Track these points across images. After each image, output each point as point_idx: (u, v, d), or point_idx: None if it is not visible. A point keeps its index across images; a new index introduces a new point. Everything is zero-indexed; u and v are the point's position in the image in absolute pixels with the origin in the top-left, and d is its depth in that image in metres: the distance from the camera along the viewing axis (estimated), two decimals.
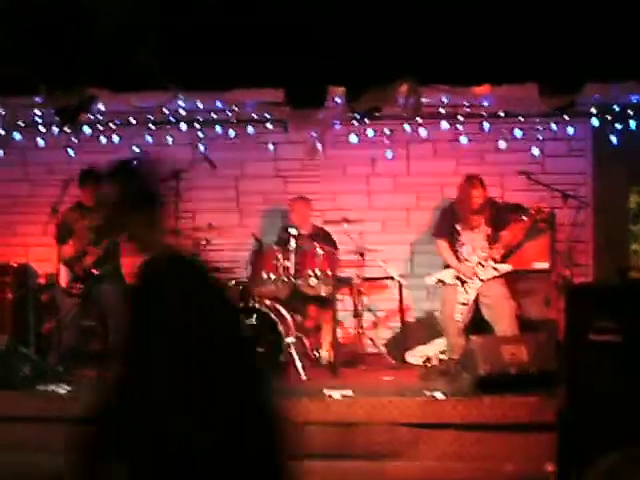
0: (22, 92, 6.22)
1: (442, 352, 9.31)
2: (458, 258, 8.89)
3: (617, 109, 9.84)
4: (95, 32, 5.73)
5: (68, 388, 8.05)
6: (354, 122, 9.63)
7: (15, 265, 9.99)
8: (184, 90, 6.75)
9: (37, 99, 6.88)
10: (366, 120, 9.22)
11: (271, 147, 10.61)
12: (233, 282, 9.31)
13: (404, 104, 6.46)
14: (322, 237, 9.61)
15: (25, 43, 5.80)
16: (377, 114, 7.21)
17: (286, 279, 9.00)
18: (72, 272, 8.72)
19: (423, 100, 7.80)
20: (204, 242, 9.27)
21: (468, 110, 9.99)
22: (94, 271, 8.74)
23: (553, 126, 10.11)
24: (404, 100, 6.36)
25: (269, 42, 5.98)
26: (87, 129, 10.33)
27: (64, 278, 8.70)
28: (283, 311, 9.04)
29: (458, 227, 8.92)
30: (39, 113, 9.86)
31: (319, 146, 9.31)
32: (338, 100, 7.11)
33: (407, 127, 10.18)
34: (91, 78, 5.93)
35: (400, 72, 5.90)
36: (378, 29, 5.64)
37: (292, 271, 8.98)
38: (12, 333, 9.30)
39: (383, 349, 9.73)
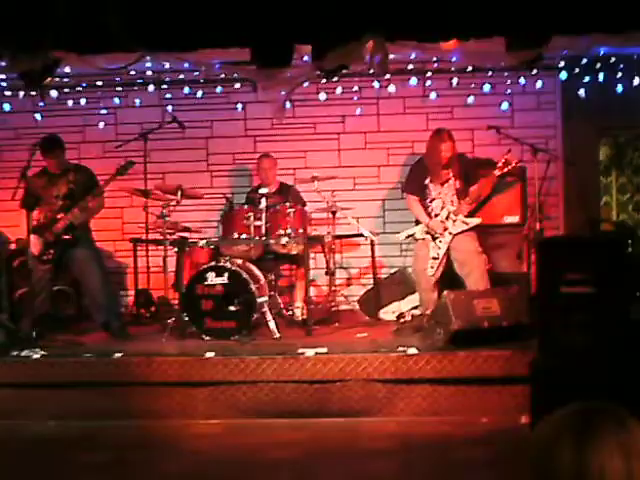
0: None
1: (415, 308, 9.35)
2: (428, 213, 8.89)
3: (585, 62, 9.84)
4: None
5: (42, 353, 8.04)
6: (323, 80, 9.58)
7: None
8: (150, 51, 6.70)
9: (1, 63, 6.82)
10: (335, 78, 9.19)
11: (240, 107, 10.58)
12: (204, 242, 9.32)
13: (371, 61, 6.44)
14: (290, 194, 9.61)
15: None
16: (345, 71, 7.16)
17: (258, 238, 8.99)
18: (43, 238, 8.69)
19: (391, 56, 7.77)
20: (174, 203, 9.25)
21: (437, 66, 9.98)
22: (66, 237, 8.71)
23: (522, 80, 10.13)
24: (371, 57, 6.33)
25: (234, 1, 5.94)
26: (54, 92, 10.24)
27: (35, 244, 8.66)
28: (255, 270, 9.07)
29: (427, 182, 8.92)
30: (4, 77, 9.77)
31: (287, 105, 9.27)
32: (305, 58, 7.07)
33: (376, 84, 10.18)
34: (55, 41, 5.87)
35: (366, 29, 5.87)
36: None
37: (263, 230, 8.97)
38: None
39: (356, 306, 9.77)
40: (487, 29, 5.96)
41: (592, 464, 2.10)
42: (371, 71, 9.13)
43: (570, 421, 2.18)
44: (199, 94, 10.44)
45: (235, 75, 10.01)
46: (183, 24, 5.91)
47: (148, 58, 7.95)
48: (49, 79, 6.75)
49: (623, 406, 2.22)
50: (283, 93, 7.93)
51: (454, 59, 9.48)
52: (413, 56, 9.44)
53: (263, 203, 9.00)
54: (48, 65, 6.24)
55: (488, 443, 6.74)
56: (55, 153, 8.80)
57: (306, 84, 9.71)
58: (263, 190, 9.19)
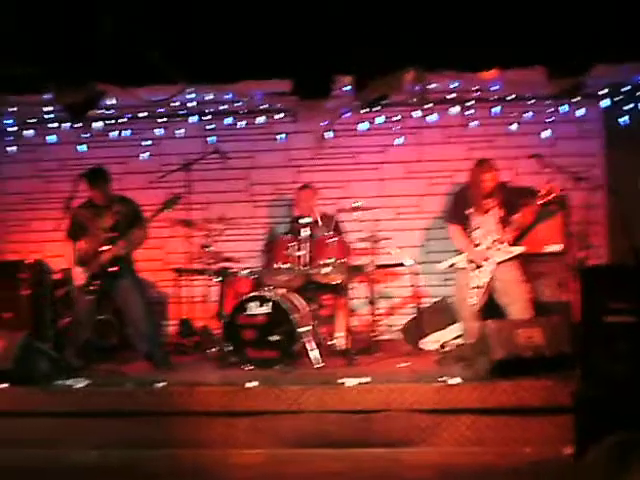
0: (32, 90, 6.25)
1: (457, 337, 9.31)
2: (471, 242, 8.87)
3: (627, 89, 9.80)
4: (102, 28, 5.75)
5: (85, 382, 8.09)
6: (363, 110, 9.62)
7: (30, 262, 10.03)
8: (192, 83, 6.78)
9: (46, 96, 6.91)
10: (375, 108, 9.24)
11: (281, 137, 10.63)
12: (246, 272, 9.35)
13: (411, 91, 6.47)
14: (330, 224, 9.62)
15: (33, 41, 5.82)
16: (386, 102, 7.19)
17: (299, 268, 9.02)
18: (88, 270, 8.75)
19: (432, 86, 7.81)
20: (216, 233, 9.32)
21: (477, 95, 9.98)
22: (112, 269, 8.77)
23: (563, 108, 10.10)
24: (411, 87, 6.36)
25: (276, 33, 5.98)
26: (97, 124, 10.38)
27: (79, 275, 8.73)
28: (297, 300, 9.08)
29: (470, 211, 8.90)
30: (50, 109, 9.90)
31: (329, 135, 9.34)
32: (346, 89, 7.11)
33: (417, 114, 10.20)
34: (99, 74, 5.96)
35: (406, 60, 5.90)
36: (384, 17, 5.64)
37: (305, 260, 8.99)
38: (29, 329, 9.34)
39: (398, 336, 9.73)
40: (527, 58, 5.97)
41: None
42: (412, 101, 9.21)
43: (608, 453, 2.18)
44: (241, 125, 10.51)
45: (277, 106, 10.09)
46: (225, 56, 5.97)
47: (190, 89, 8.05)
48: (93, 111, 6.84)
49: None
50: (324, 123, 8.01)
51: (495, 88, 9.51)
52: (454, 85, 9.45)
53: (305, 233, 9.03)
54: (92, 97, 6.33)
55: (531, 474, 6.68)
56: (100, 185, 8.88)
57: (347, 114, 9.78)
58: (305, 220, 9.21)
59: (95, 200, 8.96)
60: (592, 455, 2.15)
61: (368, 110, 9.68)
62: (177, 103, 9.85)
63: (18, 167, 11.05)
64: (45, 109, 9.86)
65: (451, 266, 9.03)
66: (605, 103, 9.90)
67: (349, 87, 6.53)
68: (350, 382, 7.74)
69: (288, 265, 9.04)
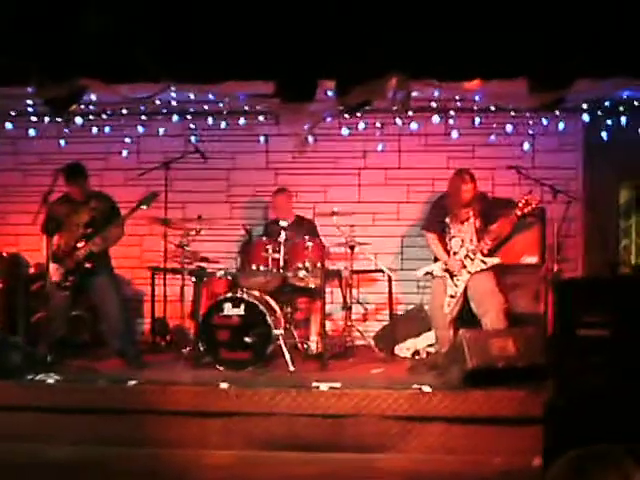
0: (13, 83, 6.22)
1: (431, 345, 9.35)
2: (447, 251, 8.91)
3: (608, 104, 9.88)
4: (85, 23, 5.73)
5: (58, 377, 8.07)
6: (345, 115, 9.63)
7: (5, 254, 10.01)
8: (175, 82, 6.77)
9: (28, 89, 6.88)
10: (357, 113, 9.25)
11: (262, 139, 10.64)
12: (222, 273, 9.36)
13: (393, 98, 6.48)
14: (307, 228, 9.64)
15: (16, 34, 5.80)
16: (368, 107, 7.20)
17: (275, 271, 9.03)
18: (63, 265, 8.73)
19: (414, 94, 7.80)
20: (193, 233, 9.32)
21: (459, 104, 10.03)
22: (87, 265, 8.76)
23: (544, 121, 10.16)
24: (393, 94, 6.37)
25: (260, 35, 5.98)
26: (79, 119, 10.36)
27: (54, 271, 8.70)
28: (272, 303, 9.10)
29: (447, 220, 8.94)
30: (31, 103, 9.87)
31: (310, 139, 9.34)
32: (329, 93, 7.11)
33: (398, 121, 10.23)
34: (82, 69, 5.93)
35: (390, 66, 5.90)
36: (368, 23, 5.65)
37: (281, 263, 9.01)
38: (2, 322, 9.33)
39: (372, 342, 9.76)
40: (510, 70, 5.98)
41: None
42: (394, 108, 9.22)
43: (568, 466, 2.21)
44: (222, 125, 10.50)
45: (258, 108, 10.10)
46: (209, 56, 5.95)
47: (173, 88, 8.03)
48: (74, 106, 6.81)
49: (636, 450, 2.23)
50: (306, 127, 8.00)
51: (477, 99, 9.56)
52: (436, 94, 9.48)
53: (282, 236, 9.05)
54: (74, 92, 6.30)
55: None
56: (78, 181, 8.87)
57: (329, 119, 9.78)
58: (282, 223, 9.22)
59: (72, 195, 8.94)
60: (553, 469, 2.18)
61: (350, 115, 9.71)
62: (158, 102, 9.83)
63: None
64: (26, 102, 9.81)
65: (427, 274, 9.06)
66: (586, 117, 9.96)
67: (332, 92, 6.53)
68: (322, 386, 7.77)
69: (263, 267, 9.06)
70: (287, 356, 8.64)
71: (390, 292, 9.80)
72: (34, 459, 7.33)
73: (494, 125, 10.24)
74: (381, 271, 9.81)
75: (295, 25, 5.80)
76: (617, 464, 2.20)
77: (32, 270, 10.11)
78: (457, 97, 9.79)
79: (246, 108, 10.22)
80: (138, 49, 5.80)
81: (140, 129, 10.64)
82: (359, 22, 5.64)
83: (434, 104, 9.99)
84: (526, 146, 10.25)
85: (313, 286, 9.27)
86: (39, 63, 5.77)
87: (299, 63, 5.85)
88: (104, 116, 10.53)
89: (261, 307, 8.78)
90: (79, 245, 8.75)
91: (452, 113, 10.16)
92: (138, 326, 10.57)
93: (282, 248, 9.05)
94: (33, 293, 9.67)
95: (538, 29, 5.66)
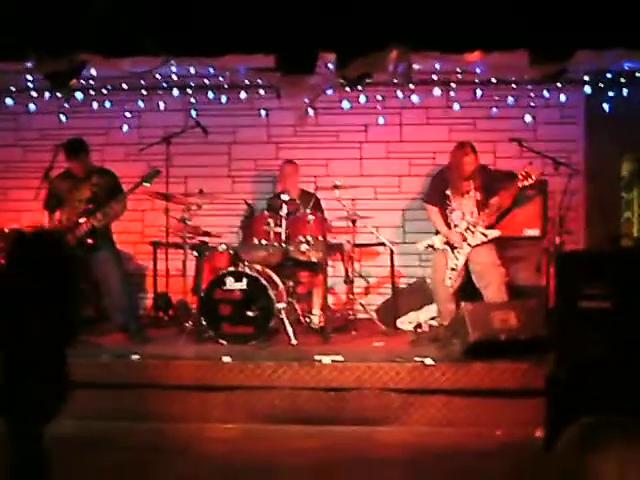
0: (12, 58, 6.21)
1: (433, 318, 9.36)
2: (448, 224, 8.90)
3: (610, 76, 9.82)
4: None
5: None
6: (347, 89, 9.59)
7: (7, 230, 9.98)
8: (175, 56, 6.75)
9: (28, 64, 6.87)
10: (358, 87, 9.21)
11: (263, 113, 10.61)
12: (224, 247, 9.35)
13: (394, 70, 6.46)
14: (309, 202, 9.62)
15: (14, 9, 5.79)
16: (369, 80, 7.18)
17: (277, 245, 9.03)
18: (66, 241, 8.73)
19: (415, 67, 7.78)
20: (195, 207, 9.30)
21: (460, 77, 9.98)
22: (89, 240, 8.77)
23: (545, 93, 10.11)
24: (394, 66, 6.36)
25: (260, 7, 5.96)
26: (79, 94, 10.33)
27: None
28: (274, 277, 9.10)
29: (449, 193, 8.93)
30: (31, 78, 9.84)
31: (310, 112, 9.31)
32: (329, 66, 7.09)
33: (400, 94, 10.19)
34: (81, 44, 5.92)
35: (390, 38, 5.89)
36: None
37: (283, 237, 9.00)
38: None
39: (374, 315, 9.76)
40: (511, 42, 5.97)
41: (595, 476, 2.13)
42: (395, 81, 9.19)
43: (580, 435, 2.21)
44: (223, 99, 10.47)
45: (259, 81, 10.07)
46: (209, 30, 5.94)
47: (173, 62, 8.01)
48: (74, 81, 6.81)
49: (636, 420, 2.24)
50: (306, 100, 7.99)
51: (478, 71, 9.51)
52: (437, 67, 9.45)
53: (284, 210, 9.03)
54: (74, 67, 6.30)
55: (502, 455, 6.73)
56: (79, 156, 8.86)
57: (330, 92, 9.76)
58: (284, 197, 9.20)
59: (73, 171, 8.94)
60: (565, 437, 2.19)
61: (351, 89, 9.66)
62: (159, 76, 9.80)
63: None
64: (26, 78, 9.78)
65: (428, 247, 9.06)
66: (587, 90, 9.92)
67: (332, 64, 6.52)
68: (325, 360, 7.79)
69: (265, 241, 9.05)
70: (289, 330, 8.66)
71: (392, 265, 9.80)
72: None
73: (495, 98, 10.20)
74: (383, 244, 9.80)
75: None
76: (626, 435, 2.21)
77: None
78: (458, 70, 9.74)
79: (247, 82, 10.18)
80: (137, 23, 5.78)
81: (141, 104, 10.60)
82: None
83: (435, 77, 9.94)
84: (528, 118, 10.21)
85: (315, 260, 9.25)
86: (37, 38, 5.77)
87: (299, 36, 5.85)
88: (104, 91, 10.49)
89: (263, 281, 8.79)
90: (81, 221, 8.75)
91: (453, 86, 10.10)
92: (141, 301, 10.58)
93: (284, 222, 9.04)
94: None
95: (540, 1, 5.65)
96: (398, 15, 5.65)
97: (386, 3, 5.63)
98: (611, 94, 9.91)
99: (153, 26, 5.77)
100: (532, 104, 10.21)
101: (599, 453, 2.18)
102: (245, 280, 8.80)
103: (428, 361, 7.69)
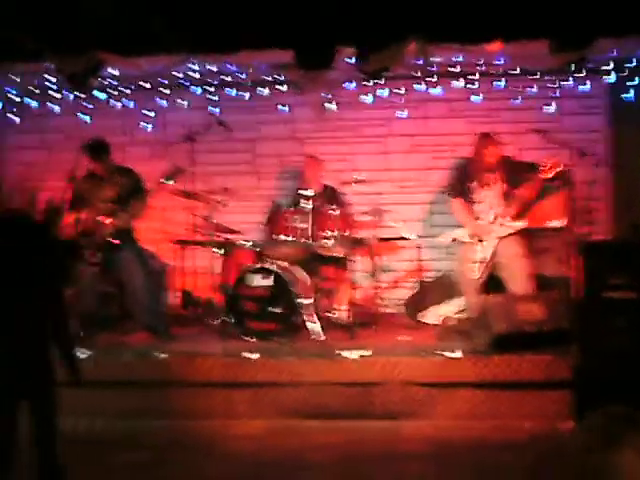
0: (29, 58, 6.24)
1: (460, 311, 9.31)
2: (473, 216, 8.86)
3: (633, 65, 9.72)
4: None
5: (88, 352, 8.11)
6: (368, 82, 9.56)
7: None
8: (192, 52, 6.76)
9: (48, 65, 6.89)
10: (380, 80, 9.18)
11: (286, 109, 10.60)
12: (250, 244, 9.36)
13: (414, 64, 6.44)
14: (333, 197, 9.60)
15: (31, 10, 5.80)
16: (391, 74, 7.16)
17: (302, 241, 9.02)
18: (91, 241, 8.78)
19: (437, 59, 7.75)
20: (220, 205, 9.31)
21: (483, 69, 9.90)
22: (113, 241, 8.80)
23: (568, 83, 10.03)
24: (413, 60, 6.34)
25: (277, 3, 5.96)
26: (101, 95, 10.35)
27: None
28: (299, 273, 9.08)
29: (473, 185, 8.89)
30: (53, 80, 9.88)
31: (330, 106, 9.28)
32: (349, 60, 7.09)
33: (421, 87, 10.14)
34: (98, 42, 5.94)
35: (408, 31, 5.87)
36: None
37: (308, 232, 9.00)
38: None
39: (400, 309, 9.73)
40: (531, 31, 5.93)
41: (612, 467, 2.12)
42: (415, 74, 9.16)
43: (595, 427, 2.21)
44: (246, 96, 10.46)
45: (280, 77, 10.05)
46: (226, 26, 5.94)
47: (193, 60, 8.01)
48: (94, 80, 6.83)
49: None
50: (326, 95, 7.97)
51: (499, 62, 9.45)
52: (459, 59, 9.40)
53: (308, 205, 9.03)
54: (92, 66, 6.31)
55: (527, 448, 6.69)
56: (101, 156, 8.90)
57: (352, 86, 9.74)
58: (308, 192, 9.19)
59: (96, 171, 8.98)
60: (580, 431, 2.19)
61: (372, 82, 9.63)
62: (180, 74, 9.80)
63: (22, 137, 11.06)
64: (49, 79, 9.82)
65: (453, 240, 9.03)
66: (610, 79, 9.83)
67: (352, 59, 6.50)
68: (350, 355, 7.77)
69: (290, 237, 9.05)
70: (315, 325, 8.65)
71: (418, 259, 9.77)
72: (63, 434, 7.38)
73: (518, 89, 10.13)
74: (408, 238, 9.77)
75: None
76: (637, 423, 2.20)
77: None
78: (480, 61, 9.68)
79: (268, 78, 10.16)
80: (154, 21, 5.79)
81: (163, 103, 10.61)
82: None
83: (457, 69, 9.87)
84: (551, 109, 10.14)
85: (340, 255, 9.24)
86: (54, 38, 5.78)
87: (317, 30, 5.83)
88: (126, 91, 10.50)
89: (288, 277, 8.79)
90: (105, 221, 8.78)
91: (476, 78, 10.03)
92: (166, 299, 10.58)
93: (308, 218, 9.03)
94: None
95: None
96: (415, 8, 5.63)
97: None
98: (635, 83, 9.80)
99: (170, 24, 5.78)
100: (555, 94, 10.13)
101: (618, 446, 2.16)
102: (271, 277, 8.80)
103: (454, 354, 7.66)
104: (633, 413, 2.23)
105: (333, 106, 9.69)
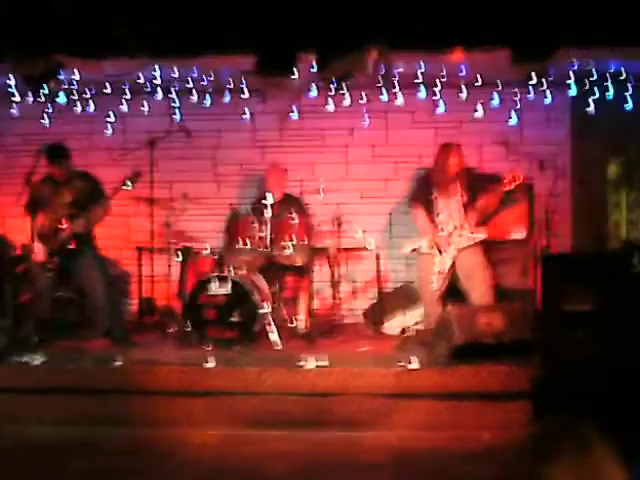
0: None
1: (419, 322, 9.32)
2: (434, 227, 8.86)
3: (595, 78, 9.76)
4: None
5: (43, 359, 8.02)
6: (330, 91, 9.54)
7: None
8: (154, 56, 6.70)
9: (5, 66, 6.80)
10: (343, 88, 9.15)
11: (248, 116, 10.54)
12: (208, 251, 9.30)
13: (376, 72, 6.42)
14: (294, 205, 9.57)
15: None
16: (351, 82, 7.13)
17: (262, 249, 8.97)
18: (47, 245, 8.69)
19: (400, 69, 7.72)
20: (179, 212, 9.26)
21: (445, 79, 9.91)
22: (71, 246, 8.72)
23: (531, 95, 10.05)
24: (375, 66, 6.32)
25: (240, 8, 5.92)
26: (62, 98, 10.25)
27: (38, 251, 8.66)
28: (259, 281, 9.04)
29: (434, 195, 8.89)
30: (13, 82, 9.76)
31: (292, 114, 9.25)
32: (311, 69, 7.05)
33: (385, 97, 10.13)
34: (58, 45, 5.86)
35: (369, 38, 5.85)
36: None
37: (268, 241, 8.95)
38: None
39: (360, 319, 9.71)
40: (492, 39, 5.93)
41: (546, 477, 2.12)
42: (379, 83, 9.15)
43: (532, 438, 2.20)
44: (207, 103, 10.40)
45: (243, 85, 10.00)
46: (187, 30, 5.89)
47: (155, 65, 7.95)
48: (53, 83, 6.74)
49: (615, 419, 2.21)
50: (289, 103, 7.93)
51: (461, 72, 9.46)
52: (422, 68, 9.40)
53: (268, 213, 8.99)
54: (51, 68, 6.23)
55: (487, 459, 6.67)
56: (60, 161, 8.82)
57: (314, 95, 9.71)
58: (268, 200, 9.15)
59: (55, 175, 8.89)
60: (524, 438, 2.18)
61: (334, 91, 9.60)
62: (142, 80, 9.73)
63: None
64: (7, 82, 9.71)
65: (414, 250, 9.02)
66: (573, 91, 9.87)
67: (314, 66, 6.47)
68: (309, 364, 7.73)
69: (250, 245, 8.99)
70: (274, 334, 8.60)
71: (378, 269, 9.76)
72: (20, 440, 7.29)
73: (481, 100, 10.14)
74: (369, 248, 9.75)
75: None
76: (577, 433, 2.18)
77: (17, 251, 10.02)
78: (442, 72, 9.68)
79: (231, 85, 10.11)
80: (115, 24, 5.73)
81: (124, 108, 10.52)
82: None
83: (420, 79, 9.87)
84: (513, 120, 10.16)
85: (300, 264, 9.20)
86: (14, 38, 5.71)
87: (278, 36, 5.80)
88: (87, 95, 10.40)
89: (247, 285, 8.75)
90: (63, 225, 8.70)
91: (438, 88, 10.04)
92: (125, 306, 10.51)
93: (268, 225, 8.98)
94: (18, 275, 9.60)
95: None
96: (377, 14, 5.61)
97: (365, 2, 5.59)
98: (597, 96, 9.85)
99: (130, 26, 5.72)
100: (517, 106, 10.16)
101: (555, 456, 2.15)
102: (229, 284, 8.75)
103: (414, 365, 7.63)
104: (576, 421, 2.21)
105: (295, 114, 9.65)
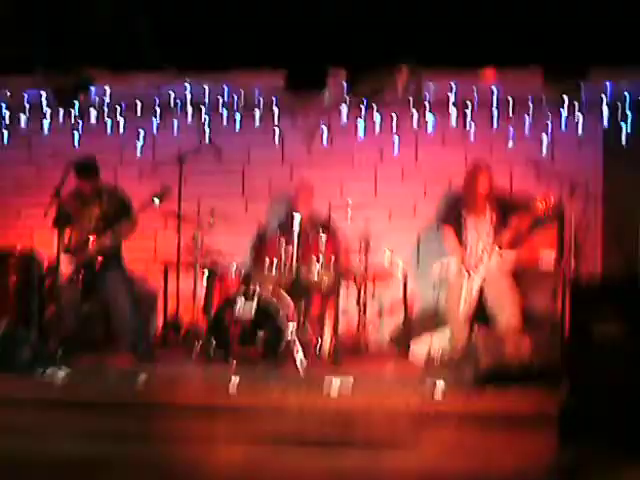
0: (18, 71, 6.16)
1: (446, 343, 9.23)
2: (463, 248, 8.79)
3: (629, 99, 9.68)
4: (92, 12, 5.66)
5: (66, 373, 8.01)
6: (360, 108, 9.51)
7: (19, 249, 9.93)
8: (182, 71, 6.70)
9: (36, 80, 6.83)
10: (373, 106, 9.13)
11: (278, 133, 10.53)
12: (235, 268, 9.26)
13: (406, 90, 6.39)
14: (322, 223, 9.53)
15: (22, 23, 5.74)
16: (382, 100, 7.11)
17: (289, 266, 8.93)
18: (75, 261, 8.70)
19: (431, 89, 7.69)
20: (207, 228, 9.24)
21: (477, 99, 9.86)
22: (98, 261, 8.72)
23: (563, 117, 9.97)
24: (405, 84, 6.29)
25: (270, 24, 5.90)
26: (93, 113, 10.28)
27: (66, 265, 8.67)
28: (285, 298, 8.98)
29: (464, 215, 8.83)
30: (44, 95, 9.81)
31: (321, 131, 9.22)
32: (341, 85, 7.03)
33: (415, 115, 10.08)
34: (88, 58, 5.87)
35: (400, 54, 5.82)
36: (379, 12, 5.55)
37: (295, 258, 8.91)
38: (13, 317, 9.26)
39: (386, 339, 9.64)
40: (525, 57, 5.88)
41: None
42: (409, 102, 9.11)
43: (560, 469, 2.16)
44: (237, 119, 10.39)
45: (273, 101, 10.00)
46: (217, 45, 5.88)
47: (185, 80, 7.95)
48: (83, 97, 6.76)
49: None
50: (319, 120, 7.91)
51: (493, 92, 9.41)
52: (453, 88, 9.35)
53: (296, 230, 8.94)
54: (81, 82, 6.24)
55: None
56: (89, 175, 8.85)
57: (344, 111, 9.68)
58: (296, 218, 9.11)
59: (83, 190, 8.89)
60: (553, 467, 2.13)
61: (364, 108, 9.58)
62: (173, 95, 9.73)
63: (9, 153, 10.97)
64: (40, 95, 9.76)
65: (443, 271, 8.95)
66: (606, 113, 9.79)
67: (344, 83, 6.44)
68: (334, 384, 7.67)
69: (277, 262, 8.95)
70: (299, 354, 8.55)
71: (405, 289, 9.69)
72: (41, 455, 7.26)
73: (513, 120, 10.07)
74: (397, 267, 9.69)
75: (305, 14, 5.71)
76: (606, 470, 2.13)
77: (45, 265, 10.03)
78: (474, 91, 9.63)
79: (261, 101, 10.10)
80: (144, 39, 5.73)
81: (155, 123, 10.54)
82: (369, 11, 5.55)
83: (451, 99, 9.83)
84: (545, 141, 10.08)
85: (327, 283, 9.15)
86: (44, 52, 5.72)
87: (308, 51, 5.78)
88: (118, 110, 10.43)
89: (273, 304, 8.69)
90: (90, 240, 8.69)
91: (469, 107, 9.98)
92: (150, 322, 10.48)
93: (296, 243, 8.94)
94: (46, 288, 9.61)
95: (554, 16, 5.55)
96: (408, 31, 5.58)
97: (397, 20, 5.55)
98: (630, 118, 9.77)
99: (159, 41, 5.71)
100: (550, 128, 10.08)
101: None
102: (255, 301, 8.71)
103: (439, 387, 7.56)
104: (606, 454, 2.15)
105: (324, 132, 9.63)
